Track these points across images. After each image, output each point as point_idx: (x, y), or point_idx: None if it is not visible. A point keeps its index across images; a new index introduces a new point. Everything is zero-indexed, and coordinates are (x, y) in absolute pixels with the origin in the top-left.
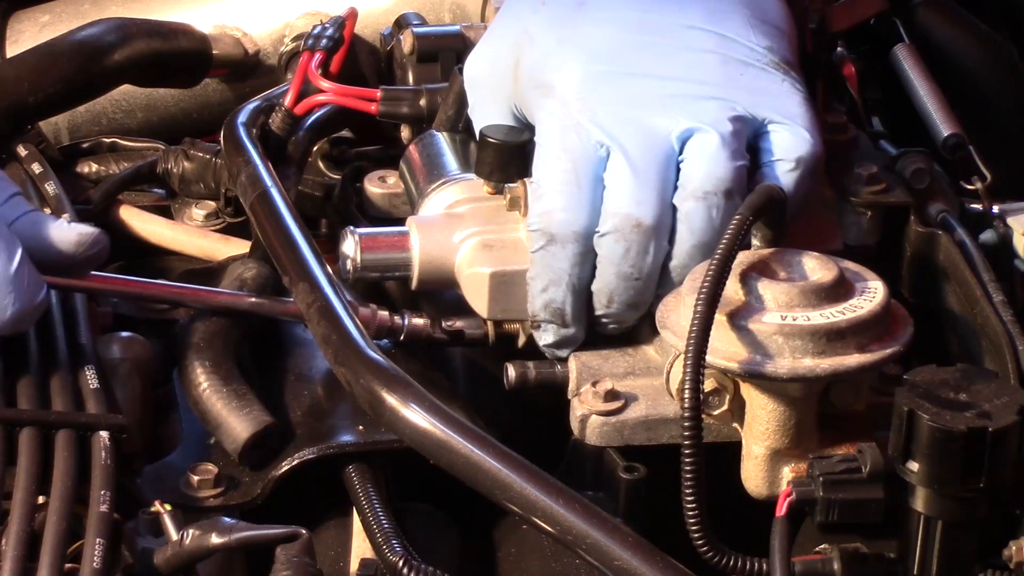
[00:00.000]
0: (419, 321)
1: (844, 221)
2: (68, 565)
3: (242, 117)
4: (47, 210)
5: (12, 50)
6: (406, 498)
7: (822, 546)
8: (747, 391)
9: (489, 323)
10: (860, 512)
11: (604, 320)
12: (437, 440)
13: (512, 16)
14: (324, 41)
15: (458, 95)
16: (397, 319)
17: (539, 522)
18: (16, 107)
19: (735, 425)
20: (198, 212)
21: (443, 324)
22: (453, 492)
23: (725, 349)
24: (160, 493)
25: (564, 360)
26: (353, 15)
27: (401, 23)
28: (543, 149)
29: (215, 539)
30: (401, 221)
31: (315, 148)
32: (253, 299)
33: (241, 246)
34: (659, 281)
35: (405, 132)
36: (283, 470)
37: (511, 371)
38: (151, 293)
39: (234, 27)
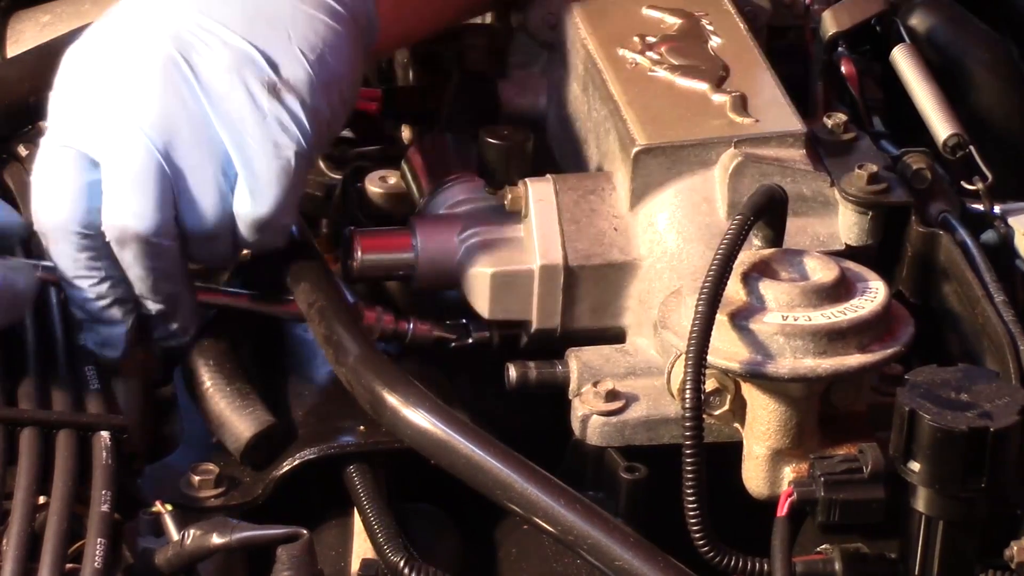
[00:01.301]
0: (424, 325)
1: (844, 221)
2: (69, 565)
3: None
4: None
5: (12, 50)
6: (407, 498)
7: (823, 546)
8: (748, 391)
9: (494, 327)
10: (861, 512)
11: (161, 328)
12: (438, 440)
13: None
14: None
15: (459, 95)
16: (403, 323)
17: (540, 522)
18: (16, 107)
19: (736, 425)
20: None
21: (447, 329)
22: (454, 492)
23: (726, 349)
24: (161, 493)
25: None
26: None
27: None
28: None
29: (216, 539)
30: (402, 221)
31: None
32: (252, 297)
33: None
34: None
35: (406, 132)
36: (284, 470)
37: (512, 371)
38: None
39: None
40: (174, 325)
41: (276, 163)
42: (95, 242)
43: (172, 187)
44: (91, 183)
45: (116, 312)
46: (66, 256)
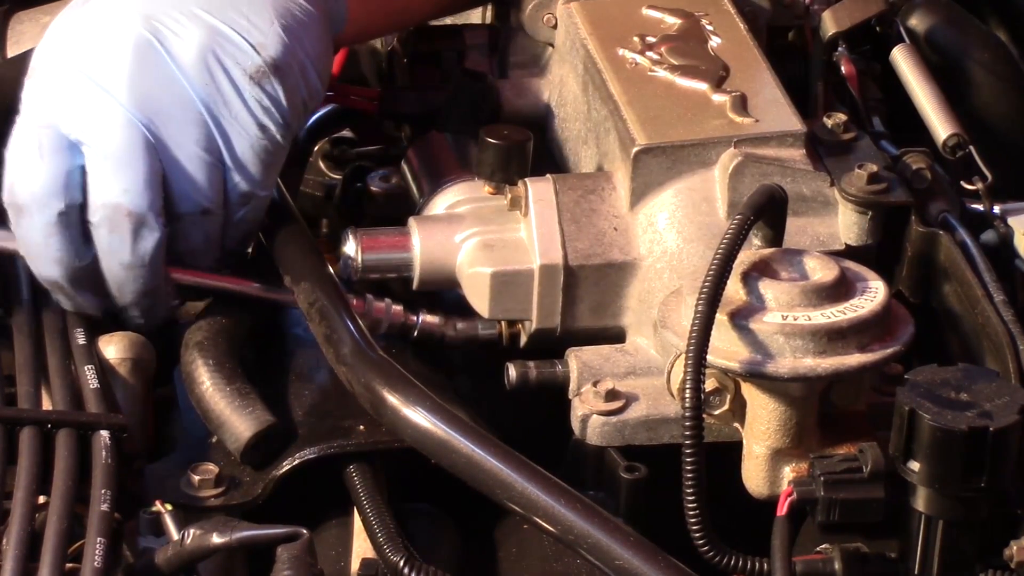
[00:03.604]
0: (433, 320)
1: (844, 221)
2: (69, 565)
3: None
4: None
5: (13, 50)
6: (407, 498)
7: (823, 546)
8: (748, 391)
9: (503, 323)
10: (861, 512)
11: (131, 314)
12: (438, 439)
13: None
14: None
15: (459, 95)
16: (412, 316)
17: (541, 522)
18: (16, 107)
19: (736, 425)
20: None
21: (456, 325)
22: (454, 492)
23: (726, 349)
24: (161, 493)
25: None
26: None
27: None
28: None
29: (216, 539)
30: (402, 221)
31: (316, 148)
32: (257, 285)
33: None
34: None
35: (406, 132)
36: (284, 470)
37: (512, 371)
38: None
39: None
40: (141, 320)
41: (260, 143)
42: (70, 218)
43: (160, 163)
44: (70, 163)
45: (86, 283)
46: (37, 230)
